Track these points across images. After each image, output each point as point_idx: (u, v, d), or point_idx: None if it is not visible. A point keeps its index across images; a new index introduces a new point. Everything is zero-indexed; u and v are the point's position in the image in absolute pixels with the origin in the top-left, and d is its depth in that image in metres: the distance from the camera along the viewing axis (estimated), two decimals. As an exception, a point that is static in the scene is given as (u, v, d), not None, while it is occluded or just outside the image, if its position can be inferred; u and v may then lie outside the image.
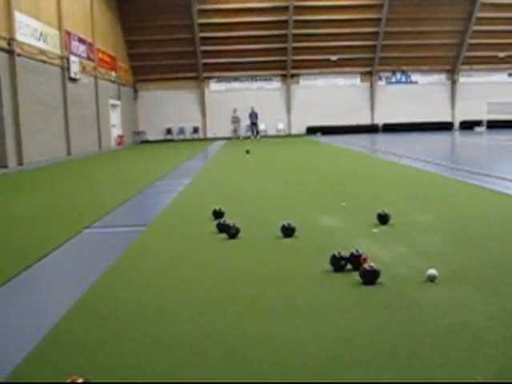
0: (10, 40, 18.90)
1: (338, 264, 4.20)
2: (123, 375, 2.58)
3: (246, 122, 36.50)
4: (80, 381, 2.27)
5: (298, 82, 39.13)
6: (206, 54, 36.89)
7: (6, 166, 18.05)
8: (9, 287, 4.23)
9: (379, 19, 36.30)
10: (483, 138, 27.97)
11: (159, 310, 3.50)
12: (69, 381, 2.27)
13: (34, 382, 2.58)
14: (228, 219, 5.93)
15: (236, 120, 34.82)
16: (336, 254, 4.21)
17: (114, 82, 32.35)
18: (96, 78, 28.62)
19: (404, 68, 39.43)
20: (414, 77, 39.80)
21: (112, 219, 7.26)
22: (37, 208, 8.33)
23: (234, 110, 34.68)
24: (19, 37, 19.48)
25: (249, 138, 35.23)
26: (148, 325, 3.25)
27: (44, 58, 21.71)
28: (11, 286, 4.27)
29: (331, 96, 38.69)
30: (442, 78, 39.99)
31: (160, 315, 3.42)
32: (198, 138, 37.99)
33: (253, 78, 38.80)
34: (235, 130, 35.02)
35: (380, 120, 39.34)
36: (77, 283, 4.40)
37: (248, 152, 18.36)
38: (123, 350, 2.89)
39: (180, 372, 2.59)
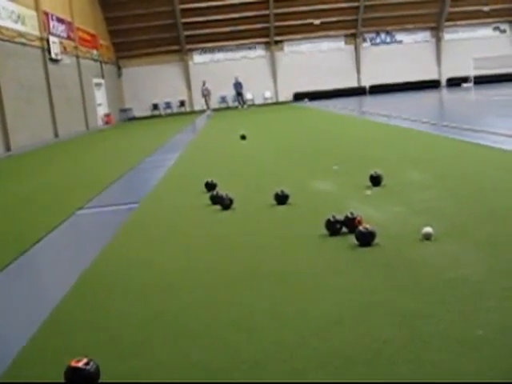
0: (-13, 24, 18.59)
1: (333, 228, 4.20)
2: (129, 352, 2.58)
3: (217, 94, 36.34)
4: (84, 360, 2.27)
5: (282, 49, 38.79)
6: (188, 25, 36.42)
7: (-7, 153, 17.91)
8: (7, 272, 4.21)
9: (360, -21, 35.92)
10: (471, 94, 27.93)
11: (160, 284, 3.51)
12: (73, 361, 2.27)
13: (31, 383, 2.58)
14: (221, 190, 5.91)
15: (206, 93, 33.90)
16: (331, 217, 4.21)
17: (96, 60, 31.96)
18: (78, 57, 28.25)
19: (388, 28, 39.11)
20: (399, 36, 39.53)
21: (105, 198, 7.23)
22: (28, 193, 8.28)
23: (204, 83, 33.60)
24: (-4, 20, 19.15)
25: (236, 107, 35.06)
26: (150, 300, 3.25)
27: (23, 41, 21.36)
28: (9, 270, 4.25)
29: (317, 61, 38.41)
30: (426, 35, 39.73)
31: (161, 289, 3.42)
32: (185, 112, 37.75)
33: (237, 48, 38.41)
34: (206, 103, 33.99)
35: (367, 82, 39.15)
36: (75, 264, 4.40)
37: (244, 138, 12.89)
38: (127, 327, 2.90)
39: (184, 345, 2.60)
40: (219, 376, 2.29)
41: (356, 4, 37.24)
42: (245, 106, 34.66)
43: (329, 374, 2.21)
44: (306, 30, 38.00)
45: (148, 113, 37.72)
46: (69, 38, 27.16)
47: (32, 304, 3.57)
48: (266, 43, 38.51)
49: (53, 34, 24.59)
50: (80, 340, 2.79)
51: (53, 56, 23.98)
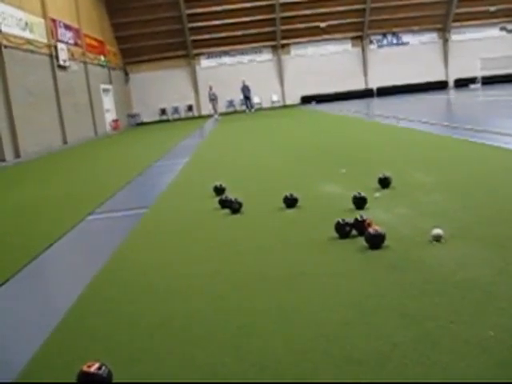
0: (-5, 32, 18.72)
1: (342, 230, 4.20)
2: (138, 358, 2.59)
3: (224, 98, 36.45)
4: (96, 365, 2.29)
5: (288, 52, 38.84)
6: (195, 30, 36.56)
7: (3, 160, 18.02)
8: (18, 278, 4.24)
9: (366, -18, 35.91)
10: (479, 95, 27.82)
11: (169, 289, 3.51)
12: (85, 366, 2.29)
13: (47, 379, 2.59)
14: (229, 194, 5.92)
15: (213, 98, 33.33)
16: (340, 220, 4.21)
17: (103, 66, 32.13)
18: (85, 63, 28.41)
19: (394, 30, 39.08)
20: (405, 38, 39.49)
21: (115, 203, 7.25)
22: (38, 199, 8.33)
23: (210, 88, 33.39)
24: (4, 28, 19.26)
25: (244, 111, 35.11)
26: (159, 305, 3.26)
27: (31, 48, 21.50)
28: (21, 276, 4.28)
29: (323, 64, 38.44)
30: (433, 37, 39.66)
31: (170, 294, 3.42)
32: (192, 116, 37.85)
33: (243, 52, 38.49)
34: (214, 108, 33.44)
35: (374, 84, 39.13)
36: (85, 269, 4.41)
37: None
38: (136, 332, 2.91)
39: (193, 351, 2.60)
40: (228, 380, 2.30)
41: (362, 6, 37.23)
42: (252, 110, 34.70)
43: (338, 377, 2.21)
44: (313, 34, 38.05)
45: (156, 118, 37.86)
46: (76, 44, 27.32)
47: (42, 309, 3.59)
48: (273, 47, 38.57)
49: (60, 41, 24.76)
50: (90, 345, 2.80)
51: (61, 62, 24.14)
